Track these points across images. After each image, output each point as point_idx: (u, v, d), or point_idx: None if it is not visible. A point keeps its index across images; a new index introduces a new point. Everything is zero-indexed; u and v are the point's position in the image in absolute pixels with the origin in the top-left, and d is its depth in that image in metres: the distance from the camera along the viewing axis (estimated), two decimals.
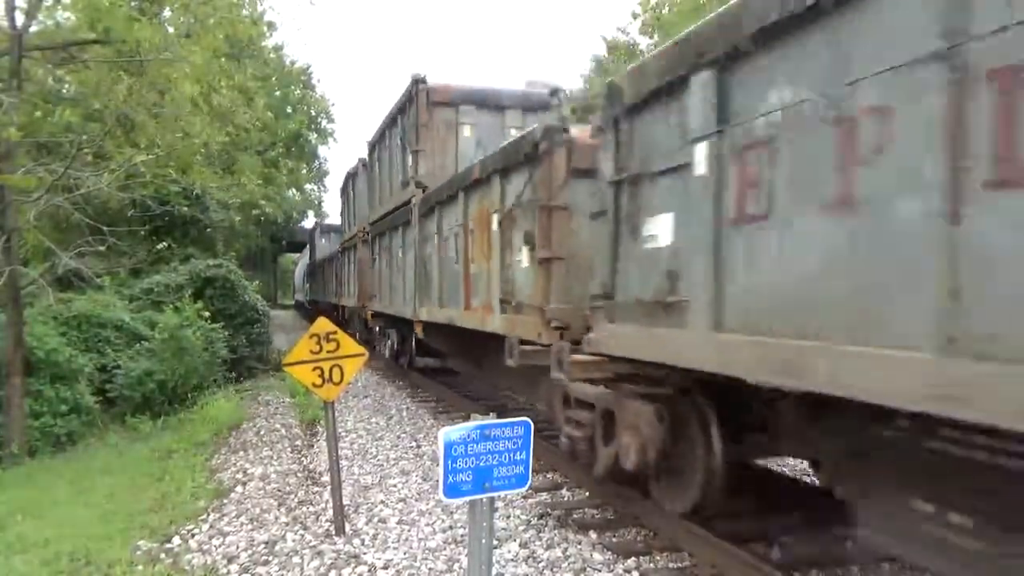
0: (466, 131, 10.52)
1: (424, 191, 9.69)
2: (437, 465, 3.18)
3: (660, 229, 3.83)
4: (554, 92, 10.83)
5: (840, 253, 2.65)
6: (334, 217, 31.37)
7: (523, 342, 5.67)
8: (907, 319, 2.38)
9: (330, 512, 5.36)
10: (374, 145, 14.47)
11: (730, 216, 3.23)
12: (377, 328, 14.51)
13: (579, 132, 5.45)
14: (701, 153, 3.33)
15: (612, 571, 4.38)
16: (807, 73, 2.79)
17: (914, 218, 2.34)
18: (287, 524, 5.40)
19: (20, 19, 9.40)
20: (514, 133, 8.63)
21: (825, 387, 2.68)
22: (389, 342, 13.50)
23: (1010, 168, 2.05)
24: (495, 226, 6.50)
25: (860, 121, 2.54)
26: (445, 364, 11.37)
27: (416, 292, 9.90)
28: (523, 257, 5.94)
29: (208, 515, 5.66)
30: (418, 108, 10.39)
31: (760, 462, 5.99)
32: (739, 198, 3.17)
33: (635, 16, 30.00)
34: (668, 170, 3.74)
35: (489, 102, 10.71)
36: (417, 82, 10.49)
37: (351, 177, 18.94)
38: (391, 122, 12.52)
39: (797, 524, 4.72)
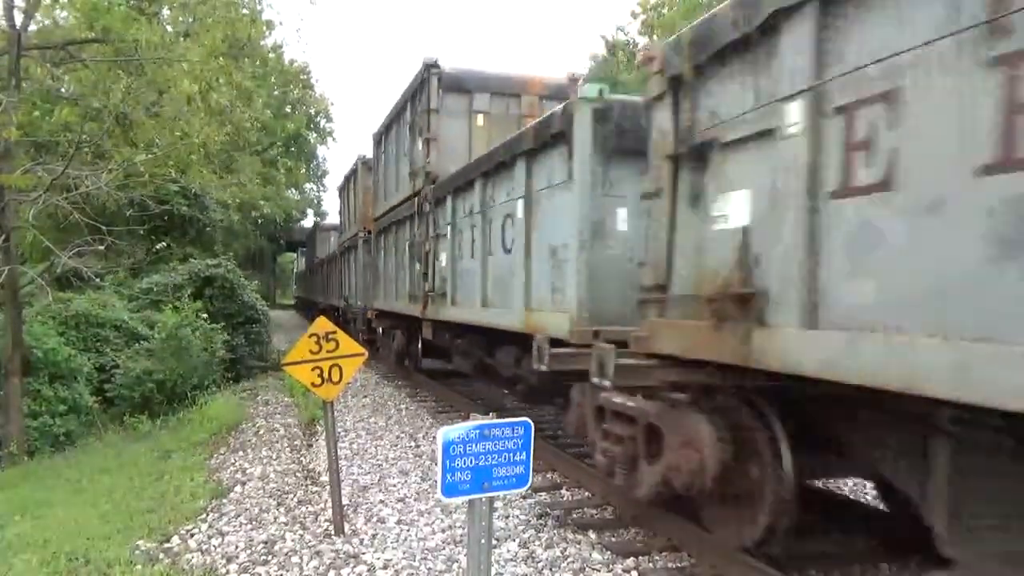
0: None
1: None
2: (436, 465, 3.17)
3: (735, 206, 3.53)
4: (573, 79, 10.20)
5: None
6: (332, 217, 32.66)
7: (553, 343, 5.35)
8: None
9: (329, 512, 5.36)
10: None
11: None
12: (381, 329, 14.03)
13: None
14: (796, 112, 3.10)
15: (611, 571, 4.37)
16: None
17: None
18: (286, 524, 5.40)
19: (19, 18, 9.40)
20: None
21: None
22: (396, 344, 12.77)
23: None
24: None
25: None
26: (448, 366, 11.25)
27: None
28: None
29: (207, 515, 5.65)
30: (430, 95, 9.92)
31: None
32: None
33: (634, 15, 30.15)
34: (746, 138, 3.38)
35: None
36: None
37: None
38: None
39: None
